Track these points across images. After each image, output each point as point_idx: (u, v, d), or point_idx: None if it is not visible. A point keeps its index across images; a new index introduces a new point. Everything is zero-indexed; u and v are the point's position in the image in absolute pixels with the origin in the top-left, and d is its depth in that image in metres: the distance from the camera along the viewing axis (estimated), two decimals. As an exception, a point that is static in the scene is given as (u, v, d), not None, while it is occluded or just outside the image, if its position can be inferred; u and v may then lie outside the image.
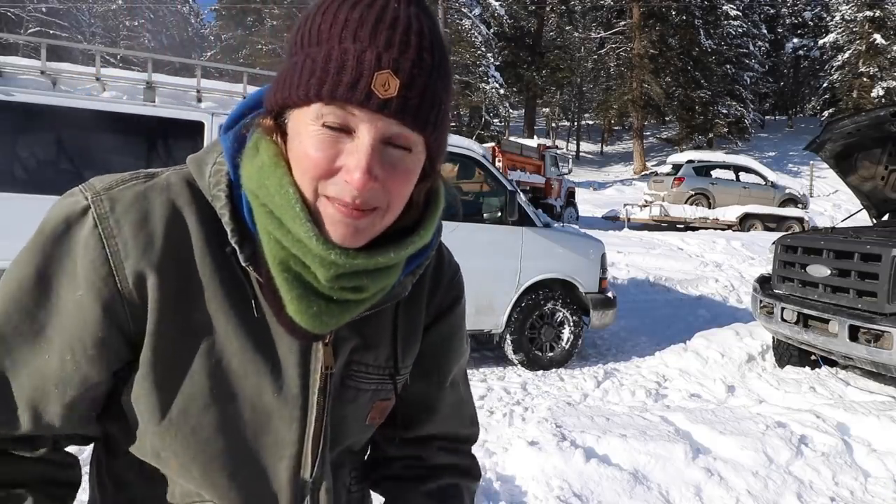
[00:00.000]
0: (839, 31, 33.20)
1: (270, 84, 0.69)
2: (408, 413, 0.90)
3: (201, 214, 0.70)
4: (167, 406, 0.69)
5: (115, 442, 0.75)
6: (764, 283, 5.29)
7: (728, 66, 31.43)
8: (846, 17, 32.72)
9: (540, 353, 5.54)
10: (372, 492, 0.95)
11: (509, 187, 5.38)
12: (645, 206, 16.81)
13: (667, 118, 35.34)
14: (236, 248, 0.68)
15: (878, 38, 31.27)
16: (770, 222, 15.63)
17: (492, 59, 30.50)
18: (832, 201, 20.04)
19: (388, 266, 0.70)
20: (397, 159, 0.65)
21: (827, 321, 4.34)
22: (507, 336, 5.43)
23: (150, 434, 0.70)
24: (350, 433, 0.82)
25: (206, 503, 0.74)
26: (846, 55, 32.57)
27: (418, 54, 0.63)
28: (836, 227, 5.31)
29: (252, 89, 4.15)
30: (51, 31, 26.38)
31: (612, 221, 16.76)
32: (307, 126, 0.63)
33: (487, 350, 5.94)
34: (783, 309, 4.73)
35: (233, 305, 0.70)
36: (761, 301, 5.03)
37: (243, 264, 0.68)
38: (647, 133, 35.56)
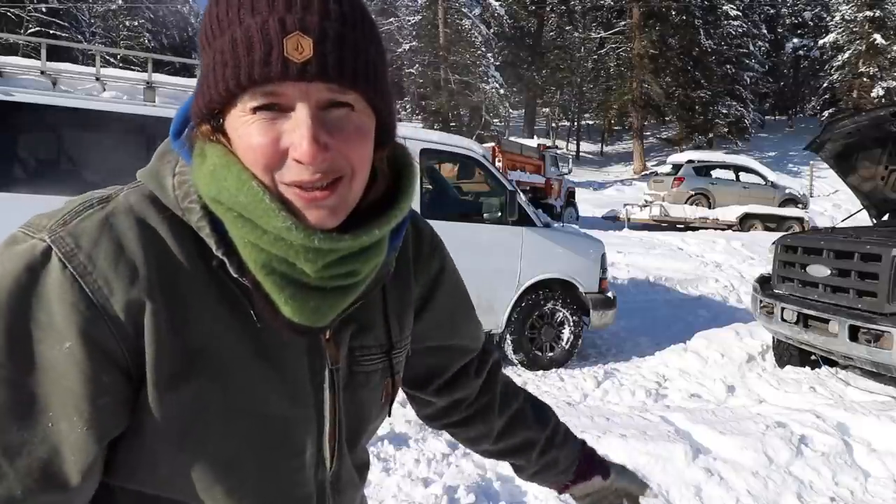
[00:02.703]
0: (839, 31, 33.17)
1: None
2: (441, 364, 0.96)
3: (175, 231, 0.65)
4: (184, 433, 0.65)
5: (113, 479, 0.70)
6: (764, 283, 5.28)
7: (728, 66, 31.41)
8: (846, 17, 32.68)
9: (540, 353, 5.54)
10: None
11: (509, 187, 5.37)
12: (645, 206, 16.79)
13: (667, 118, 35.31)
14: (224, 259, 0.64)
15: (878, 38, 31.24)
16: (770, 222, 15.61)
17: (492, 59, 30.52)
18: (832, 201, 20.01)
19: (374, 244, 0.67)
20: (342, 119, 0.61)
21: (827, 321, 4.34)
22: (507, 336, 5.42)
23: (167, 462, 0.66)
24: (371, 417, 0.82)
25: None
26: (846, 55, 32.53)
27: (324, 7, 0.59)
28: (836, 227, 5.31)
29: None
30: (51, 31, 26.34)
31: (612, 221, 16.74)
32: (240, 119, 0.60)
33: (487, 350, 5.94)
34: (783, 309, 4.73)
35: (231, 319, 0.66)
36: (761, 301, 5.03)
37: (234, 275, 0.64)
38: (647, 133, 35.53)
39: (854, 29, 32.37)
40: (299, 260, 0.62)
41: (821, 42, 35.10)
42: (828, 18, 35.61)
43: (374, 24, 0.65)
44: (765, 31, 34.59)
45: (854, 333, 4.10)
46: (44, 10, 27.34)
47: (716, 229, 14.95)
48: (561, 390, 4.96)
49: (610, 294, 5.82)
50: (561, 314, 5.60)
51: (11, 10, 25.73)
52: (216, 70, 0.59)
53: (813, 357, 5.19)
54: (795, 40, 39.31)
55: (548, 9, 35.94)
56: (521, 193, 5.67)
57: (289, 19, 0.57)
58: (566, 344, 5.61)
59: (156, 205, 0.66)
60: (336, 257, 0.64)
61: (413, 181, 0.72)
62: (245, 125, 0.60)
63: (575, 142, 39.14)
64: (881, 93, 30.76)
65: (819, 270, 4.57)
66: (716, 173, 17.69)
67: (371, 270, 0.69)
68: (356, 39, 0.60)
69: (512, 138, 22.27)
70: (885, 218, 5.72)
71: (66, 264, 0.60)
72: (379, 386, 0.81)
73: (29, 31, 25.84)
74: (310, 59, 0.57)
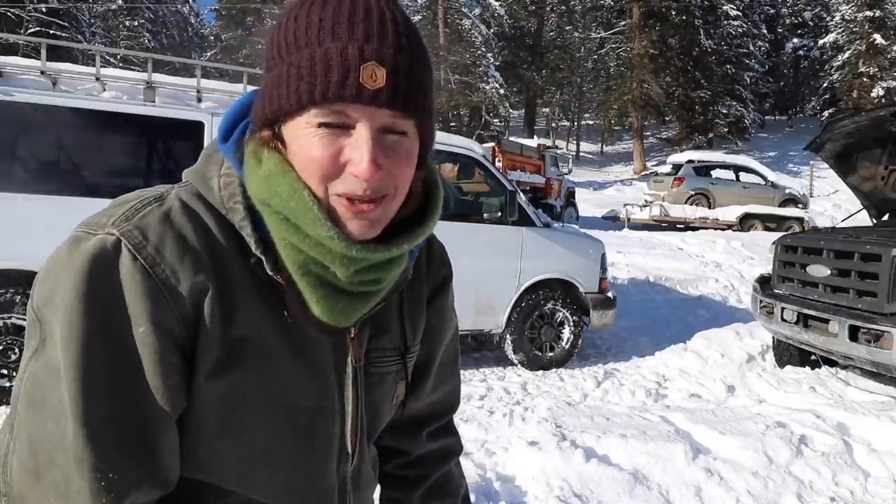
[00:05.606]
0: (839, 31, 33.15)
1: (256, 98, 0.70)
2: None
3: (222, 228, 0.70)
4: (223, 420, 0.70)
5: None
6: (764, 283, 5.28)
7: (728, 66, 31.40)
8: (846, 17, 32.67)
9: (540, 353, 5.54)
10: None
11: (509, 187, 5.37)
12: (645, 206, 16.78)
13: (667, 118, 35.31)
14: (262, 258, 0.69)
15: (878, 38, 31.23)
16: (770, 222, 15.61)
17: (492, 59, 30.52)
18: (832, 201, 20.01)
19: (399, 255, 0.73)
20: (396, 144, 0.67)
21: (827, 321, 4.34)
22: (507, 336, 5.42)
23: (205, 448, 0.71)
24: (384, 416, 0.87)
25: None
26: (846, 55, 32.52)
27: (398, 41, 0.65)
28: (836, 227, 5.31)
29: (252, 89, 4.16)
30: (51, 31, 26.30)
31: (612, 221, 16.74)
32: (304, 130, 0.65)
33: (487, 350, 5.94)
34: (783, 309, 4.73)
35: (268, 314, 0.71)
36: (761, 301, 5.03)
37: (270, 273, 0.69)
38: (647, 133, 35.52)
39: (854, 29, 32.36)
40: (334, 264, 0.68)
41: (821, 42, 35.09)
42: (828, 18, 35.60)
43: (429, 54, 0.71)
44: (765, 31, 34.57)
45: (854, 333, 4.10)
46: (44, 10, 27.32)
47: (716, 229, 14.95)
48: (561, 390, 4.96)
49: (610, 294, 5.82)
50: (561, 314, 5.60)
51: (11, 10, 25.71)
52: (290, 82, 0.64)
53: (813, 357, 5.19)
54: (795, 40, 39.29)
55: (548, 9, 35.97)
56: (521, 193, 5.67)
57: (367, 49, 0.63)
58: (566, 344, 5.61)
59: (203, 202, 0.71)
60: (366, 265, 0.70)
61: (439, 204, 0.78)
62: (308, 136, 0.65)
63: (575, 142, 39.13)
64: (881, 93, 30.75)
65: (819, 270, 4.57)
66: (716, 173, 17.69)
67: (393, 278, 0.75)
68: (420, 72, 0.67)
69: (512, 138, 22.28)
70: (885, 218, 5.72)
71: (136, 256, 0.65)
72: (391, 388, 0.85)
73: (29, 31, 25.82)
74: (381, 88, 0.63)
